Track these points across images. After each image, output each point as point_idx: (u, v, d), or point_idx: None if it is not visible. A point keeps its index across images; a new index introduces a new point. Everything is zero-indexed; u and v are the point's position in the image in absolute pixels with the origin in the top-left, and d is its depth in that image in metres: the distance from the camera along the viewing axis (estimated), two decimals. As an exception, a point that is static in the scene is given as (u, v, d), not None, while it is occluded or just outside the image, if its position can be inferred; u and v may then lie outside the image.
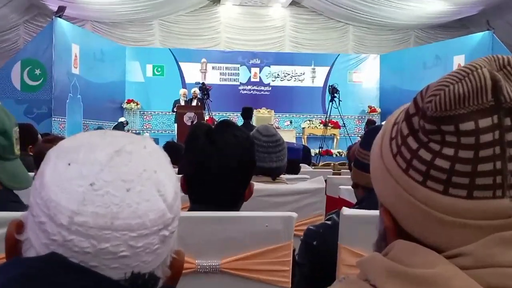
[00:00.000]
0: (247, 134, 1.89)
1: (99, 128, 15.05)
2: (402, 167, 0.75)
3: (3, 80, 13.07)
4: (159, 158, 0.81)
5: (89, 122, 14.89)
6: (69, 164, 0.76)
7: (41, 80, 13.08)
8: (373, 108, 17.92)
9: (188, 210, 1.80)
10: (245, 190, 1.82)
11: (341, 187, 3.14)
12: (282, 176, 2.95)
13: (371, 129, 2.02)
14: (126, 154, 0.77)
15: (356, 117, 18.07)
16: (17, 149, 1.70)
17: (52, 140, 3.12)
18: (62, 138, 3.27)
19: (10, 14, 16.24)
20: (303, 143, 16.45)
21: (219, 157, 1.74)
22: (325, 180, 3.69)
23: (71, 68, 14.00)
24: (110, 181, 0.74)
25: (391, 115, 0.84)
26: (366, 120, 15.44)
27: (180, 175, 1.82)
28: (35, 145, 3.19)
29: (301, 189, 2.84)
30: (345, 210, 1.85)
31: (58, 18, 13.53)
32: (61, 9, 13.69)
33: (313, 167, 6.65)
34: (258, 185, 2.63)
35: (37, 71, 13.09)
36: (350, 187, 2.50)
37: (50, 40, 13.14)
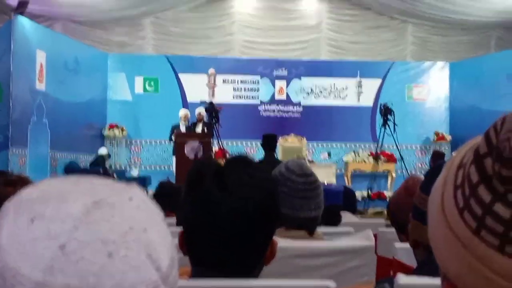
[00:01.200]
0: (267, 174, 1.89)
1: (72, 163, 15.18)
2: (472, 227, 0.75)
3: None
4: (149, 212, 0.82)
5: (58, 155, 14.98)
6: (32, 220, 0.76)
7: (-5, 99, 13.24)
8: (441, 135, 17.83)
9: (189, 277, 1.80)
10: (265, 250, 1.82)
11: (396, 245, 3.12)
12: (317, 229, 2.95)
13: (437, 167, 2.02)
14: (107, 207, 0.78)
15: (418, 147, 17.98)
16: None
17: (15, 182, 3.15)
18: (26, 180, 3.31)
19: (-45, 11, 16.52)
20: (346, 183, 16.41)
21: (230, 205, 1.74)
22: (375, 235, 3.67)
23: (34, 83, 14.14)
24: (86, 243, 0.75)
25: (456, 153, 0.84)
26: (432, 152, 15.35)
27: (179, 230, 1.82)
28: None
29: (342, 247, 2.83)
30: (402, 278, 1.85)
31: (19, 16, 13.72)
32: (23, 4, 13.89)
33: (359, 216, 6.62)
34: (286, 242, 2.63)
35: (-10, 87, 13.25)
36: (408, 245, 2.49)
37: (7, 46, 13.29)
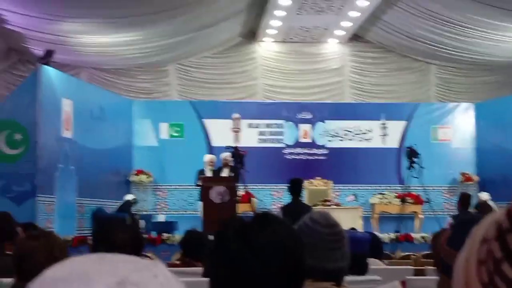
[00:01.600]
0: (293, 230, 1.89)
1: (99, 210, 15.23)
2: None
3: (-27, 148, 13.39)
4: None
5: (85, 202, 15.05)
6: None
7: (22, 148, 13.35)
8: (468, 176, 17.70)
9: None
10: (292, 308, 1.81)
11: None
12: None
13: (463, 222, 2.01)
14: (131, 286, 0.78)
15: (446, 188, 17.84)
16: None
17: (38, 237, 3.18)
18: (50, 234, 3.34)
19: (-17, 62, 16.78)
20: (373, 226, 16.32)
21: (255, 263, 1.74)
22: (404, 282, 3.63)
23: (61, 131, 14.28)
24: None
25: (479, 227, 0.83)
26: (460, 194, 15.22)
27: (205, 281, 1.83)
28: (15, 242, 3.25)
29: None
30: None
31: (44, 66, 13.90)
32: (49, 53, 14.08)
33: (386, 261, 6.57)
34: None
35: (17, 136, 13.37)
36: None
37: (33, 95, 13.46)
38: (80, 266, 0.80)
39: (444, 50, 18.07)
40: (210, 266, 1.83)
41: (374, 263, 4.83)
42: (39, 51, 15.14)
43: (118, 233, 3.87)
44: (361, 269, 4.09)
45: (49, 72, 14.11)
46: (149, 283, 0.79)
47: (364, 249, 4.15)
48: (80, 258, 0.83)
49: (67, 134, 14.47)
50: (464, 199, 12.95)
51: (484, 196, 15.45)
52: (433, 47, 18.02)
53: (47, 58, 13.96)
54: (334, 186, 17.00)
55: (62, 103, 14.37)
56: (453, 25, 16.74)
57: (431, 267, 5.22)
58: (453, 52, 18.08)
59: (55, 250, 3.13)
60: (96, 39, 16.32)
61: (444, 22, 16.68)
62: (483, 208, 14.38)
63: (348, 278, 3.15)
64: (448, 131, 18.17)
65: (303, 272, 1.85)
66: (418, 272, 5.40)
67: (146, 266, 0.82)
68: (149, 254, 10.03)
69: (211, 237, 7.15)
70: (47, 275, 0.81)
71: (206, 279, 1.85)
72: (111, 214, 15.37)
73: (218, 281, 1.80)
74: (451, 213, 15.32)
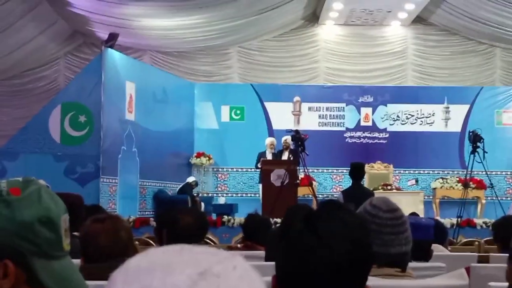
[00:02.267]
0: (360, 218, 1.88)
1: (160, 191, 15.42)
2: None
3: (38, 130, 13.64)
4: (252, 282, 0.82)
5: (147, 184, 15.24)
6: None
7: (86, 130, 13.58)
8: (532, 160, 17.45)
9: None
10: (359, 296, 1.81)
11: (491, 284, 3.05)
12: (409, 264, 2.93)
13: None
14: (213, 277, 0.79)
15: (509, 173, 17.60)
16: (66, 244, 1.74)
17: (104, 219, 3.22)
18: (115, 217, 3.38)
19: (49, 44, 17.06)
20: (434, 210, 16.18)
21: (322, 251, 1.73)
22: (468, 269, 3.59)
23: (124, 113, 14.47)
24: None
25: None
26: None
27: (267, 264, 1.83)
28: (82, 224, 3.31)
29: (436, 286, 2.79)
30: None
31: (109, 49, 14.08)
32: (113, 36, 14.23)
33: (449, 247, 6.50)
34: (378, 281, 2.61)
35: (82, 118, 13.60)
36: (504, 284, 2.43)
37: (98, 77, 13.66)
38: (162, 257, 0.82)
39: (509, 33, 17.75)
40: (276, 254, 1.83)
41: (437, 249, 4.79)
42: (103, 34, 15.35)
43: (184, 217, 3.91)
44: (425, 255, 4.07)
45: (113, 55, 14.30)
46: (229, 274, 0.80)
47: (428, 235, 4.11)
48: (162, 249, 0.84)
49: (130, 116, 14.65)
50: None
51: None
52: (498, 29, 17.71)
53: (111, 41, 14.12)
54: (395, 170, 16.92)
55: (125, 85, 14.54)
56: (519, 7, 16.45)
57: (496, 254, 5.16)
58: (518, 35, 17.77)
59: (120, 233, 3.17)
60: (159, 23, 16.46)
61: (510, 3, 16.38)
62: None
63: (412, 264, 3.14)
64: (513, 116, 17.88)
65: (371, 260, 1.85)
66: (483, 259, 5.33)
67: (226, 258, 0.83)
68: (210, 236, 10.11)
69: (272, 220, 7.15)
70: (130, 265, 0.83)
71: (269, 263, 1.85)
72: (172, 196, 15.56)
73: (284, 270, 1.80)
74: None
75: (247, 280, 0.82)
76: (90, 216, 3.39)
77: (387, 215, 2.81)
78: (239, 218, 12.58)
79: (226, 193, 17.37)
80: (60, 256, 1.71)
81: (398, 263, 2.83)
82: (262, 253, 4.92)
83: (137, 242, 6.16)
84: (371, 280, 1.88)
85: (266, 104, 17.70)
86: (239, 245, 5.97)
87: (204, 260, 0.81)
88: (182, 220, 3.88)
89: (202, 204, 15.40)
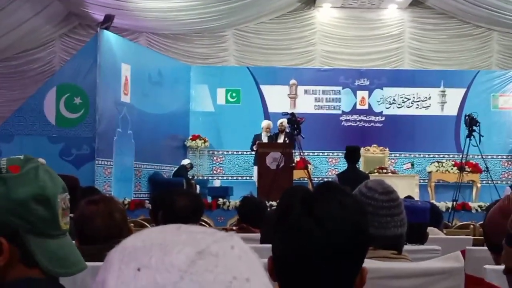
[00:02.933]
0: (358, 200, 1.88)
1: (156, 174, 15.42)
2: None
3: (33, 112, 13.64)
4: (250, 262, 0.82)
5: (142, 166, 15.25)
6: (139, 269, 0.77)
7: (81, 112, 13.57)
8: (528, 144, 17.49)
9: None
10: (355, 278, 1.81)
11: (487, 267, 3.05)
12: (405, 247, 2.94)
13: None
14: (211, 257, 0.78)
15: (504, 157, 17.63)
16: (64, 223, 1.74)
17: (98, 201, 3.21)
18: (109, 199, 3.38)
19: (44, 25, 17.01)
20: (429, 194, 16.22)
21: (320, 234, 1.73)
22: (463, 252, 3.60)
23: (120, 95, 14.46)
24: None
25: None
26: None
27: (263, 246, 1.83)
28: (76, 206, 3.30)
29: (431, 268, 2.80)
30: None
31: (104, 30, 14.04)
32: (109, 18, 14.20)
33: (444, 230, 6.52)
34: (373, 263, 2.61)
35: (77, 100, 13.59)
36: (499, 267, 2.43)
37: (93, 59, 13.64)
38: (158, 236, 0.81)
39: (506, 16, 17.74)
40: (273, 236, 1.83)
41: (433, 232, 4.80)
42: (99, 15, 15.31)
43: (180, 199, 3.91)
44: (421, 238, 4.08)
45: (109, 36, 14.26)
46: (226, 254, 0.80)
47: (424, 218, 4.12)
48: (158, 228, 0.84)
49: (125, 98, 14.64)
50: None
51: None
52: (495, 13, 17.70)
53: (106, 22, 14.08)
54: (391, 153, 16.95)
55: (121, 67, 14.52)
56: (516, -9, 16.44)
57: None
58: (515, 18, 17.76)
59: (114, 214, 3.17)
60: (155, 4, 16.42)
61: (507, -12, 16.38)
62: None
63: (407, 247, 3.15)
64: (509, 99, 17.89)
65: (368, 242, 1.85)
66: (478, 242, 5.35)
67: (223, 238, 0.82)
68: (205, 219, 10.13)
69: (267, 203, 7.15)
70: (126, 244, 0.82)
71: (265, 245, 1.85)
72: (167, 178, 15.57)
73: (282, 252, 1.80)
74: (510, 182, 15.14)
75: (245, 260, 0.81)
76: (85, 198, 3.39)
77: (382, 197, 2.82)
78: (234, 201, 12.61)
79: (222, 176, 17.39)
80: (57, 235, 1.71)
81: (394, 245, 2.85)
82: (257, 235, 4.93)
83: (132, 224, 6.16)
84: (367, 263, 1.88)
85: (262, 87, 17.68)
86: (234, 228, 5.98)
87: (201, 239, 0.81)
88: (177, 202, 3.88)
89: (198, 186, 15.42)
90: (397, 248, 2.86)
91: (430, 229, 4.56)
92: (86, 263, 1.81)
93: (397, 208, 2.84)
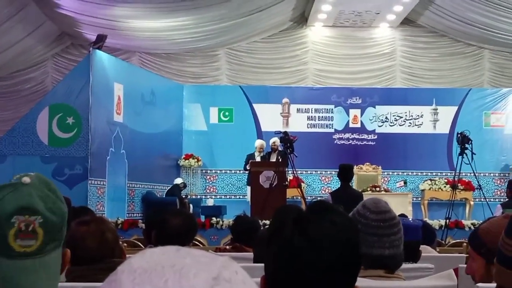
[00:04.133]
0: (350, 220, 1.88)
1: (149, 193, 15.41)
2: None
3: (26, 132, 13.61)
4: (252, 285, 0.83)
5: (135, 186, 15.23)
6: None
7: (74, 131, 13.55)
8: (520, 162, 17.53)
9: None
10: (348, 297, 1.81)
11: (480, 285, 3.05)
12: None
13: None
14: (225, 283, 0.80)
15: (497, 175, 17.66)
16: (19, 245, 1.69)
17: (89, 221, 3.20)
18: (100, 219, 3.36)
19: (36, 45, 17.02)
20: (422, 212, 16.22)
21: (312, 253, 1.73)
22: (456, 270, 3.60)
23: (113, 115, 14.46)
24: None
25: None
26: (508, 181, 15.03)
27: (256, 266, 1.83)
28: (68, 226, 3.27)
29: (424, 287, 2.80)
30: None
31: (97, 50, 14.06)
32: (101, 38, 14.22)
33: (437, 248, 6.52)
34: (365, 283, 2.61)
35: (70, 120, 13.58)
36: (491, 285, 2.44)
37: (86, 79, 13.64)
38: (164, 258, 0.82)
39: (498, 35, 17.83)
40: (265, 256, 1.83)
41: (426, 251, 4.80)
42: (91, 35, 15.32)
43: (173, 219, 3.91)
44: (414, 256, 4.08)
45: (101, 56, 14.28)
46: (236, 279, 0.81)
47: (416, 236, 4.12)
48: (159, 250, 0.84)
49: (118, 118, 14.64)
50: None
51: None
52: (486, 31, 17.79)
53: (99, 42, 14.11)
54: (383, 171, 16.96)
55: (114, 87, 14.53)
56: (507, 9, 16.52)
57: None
58: (507, 37, 17.84)
59: (106, 235, 3.16)
60: (147, 24, 16.46)
61: (498, 6, 16.46)
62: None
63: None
64: (501, 117, 17.94)
65: (360, 260, 1.85)
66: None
67: (227, 263, 0.83)
68: (198, 238, 10.11)
69: (260, 222, 7.13)
70: (133, 265, 0.82)
71: (257, 265, 1.85)
72: (160, 198, 15.55)
73: (273, 271, 1.80)
74: (502, 200, 15.13)
75: (248, 284, 0.83)
76: (76, 218, 3.37)
77: (373, 216, 2.81)
78: (227, 220, 12.57)
79: (215, 195, 17.36)
80: (13, 256, 1.68)
81: (382, 266, 2.82)
82: (250, 254, 4.92)
83: (125, 244, 6.14)
84: (360, 281, 1.88)
85: (255, 105, 17.71)
86: (227, 247, 5.97)
87: (210, 264, 0.82)
88: (170, 221, 3.88)
89: (191, 206, 15.39)
90: (386, 269, 2.84)
91: (423, 247, 4.56)
92: (80, 283, 1.81)
93: (387, 229, 2.81)
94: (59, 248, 1.76)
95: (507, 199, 12.94)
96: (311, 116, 17.91)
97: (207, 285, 0.78)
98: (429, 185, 16.97)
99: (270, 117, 17.56)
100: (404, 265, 3.67)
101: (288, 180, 14.07)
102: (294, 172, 13.38)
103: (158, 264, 0.80)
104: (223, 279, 0.80)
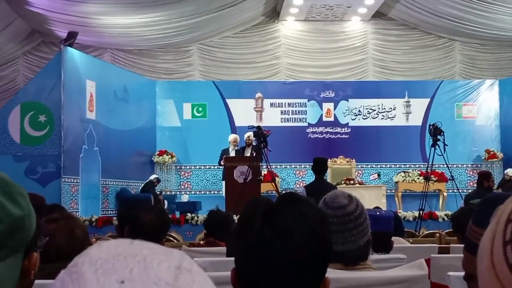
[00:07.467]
0: (320, 212, 1.88)
1: (123, 190, 15.35)
2: None
3: (-3, 131, 13.52)
4: (206, 276, 0.83)
5: (109, 183, 15.16)
6: (122, 282, 0.76)
7: (46, 129, 13.47)
8: (492, 152, 17.63)
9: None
10: (318, 287, 1.82)
11: (450, 274, 3.08)
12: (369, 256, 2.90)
13: (489, 201, 1.99)
14: (187, 272, 0.80)
15: (469, 166, 17.80)
16: None
17: (58, 219, 3.18)
18: (69, 216, 3.35)
19: (7, 43, 16.88)
20: (396, 204, 16.30)
21: (281, 246, 1.73)
22: (428, 260, 3.63)
23: (85, 112, 14.38)
24: None
25: (504, 206, 0.83)
26: (478, 172, 15.15)
27: (229, 260, 1.83)
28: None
29: (394, 277, 2.81)
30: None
31: (68, 47, 13.98)
32: (72, 35, 14.14)
33: (411, 239, 6.57)
34: (337, 273, 2.62)
35: (42, 118, 13.49)
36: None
37: (57, 76, 13.56)
38: (119, 249, 0.81)
39: (468, 27, 17.94)
40: (235, 248, 1.84)
41: (398, 241, 4.83)
42: (62, 32, 15.22)
43: (146, 214, 3.90)
44: (386, 247, 4.09)
45: (73, 53, 14.20)
46: (195, 269, 0.81)
47: (388, 227, 4.14)
48: (113, 241, 0.83)
49: (91, 115, 14.57)
50: (483, 177, 12.84)
51: (511, 172, 15.36)
52: (457, 23, 17.89)
53: (70, 39, 14.03)
54: (357, 164, 17.01)
55: (86, 84, 14.46)
56: (477, 1, 16.62)
57: (456, 245, 5.22)
58: (477, 29, 17.95)
59: (76, 231, 3.14)
60: (118, 20, 16.37)
61: (468, -2, 16.58)
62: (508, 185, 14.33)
63: (372, 256, 3.13)
64: (472, 108, 18.08)
65: (330, 251, 1.85)
66: (443, 250, 5.39)
67: (183, 254, 0.84)
68: (173, 234, 10.10)
69: (235, 217, 7.12)
70: (92, 256, 0.80)
71: (230, 259, 1.85)
72: (135, 194, 15.50)
73: (243, 263, 1.80)
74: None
75: (203, 274, 0.83)
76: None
77: (328, 211, 2.71)
78: (202, 215, 12.56)
79: (190, 191, 17.34)
80: None
81: (337, 260, 2.75)
82: (223, 249, 4.93)
83: (98, 240, 6.11)
84: (330, 272, 1.89)
85: (228, 101, 17.70)
86: (201, 242, 5.97)
87: (168, 254, 0.82)
88: (143, 217, 3.87)
89: (166, 202, 15.36)
90: (343, 263, 2.77)
91: (395, 238, 4.58)
92: (50, 280, 1.78)
93: (341, 225, 2.75)
94: (14, 255, 1.60)
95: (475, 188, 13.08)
96: (285, 111, 17.93)
97: (171, 274, 0.78)
98: (402, 177, 17.06)
99: (244, 112, 17.56)
100: (376, 256, 3.69)
101: (263, 174, 14.09)
102: (269, 166, 13.39)
103: (120, 254, 0.79)
104: (185, 268, 0.79)
